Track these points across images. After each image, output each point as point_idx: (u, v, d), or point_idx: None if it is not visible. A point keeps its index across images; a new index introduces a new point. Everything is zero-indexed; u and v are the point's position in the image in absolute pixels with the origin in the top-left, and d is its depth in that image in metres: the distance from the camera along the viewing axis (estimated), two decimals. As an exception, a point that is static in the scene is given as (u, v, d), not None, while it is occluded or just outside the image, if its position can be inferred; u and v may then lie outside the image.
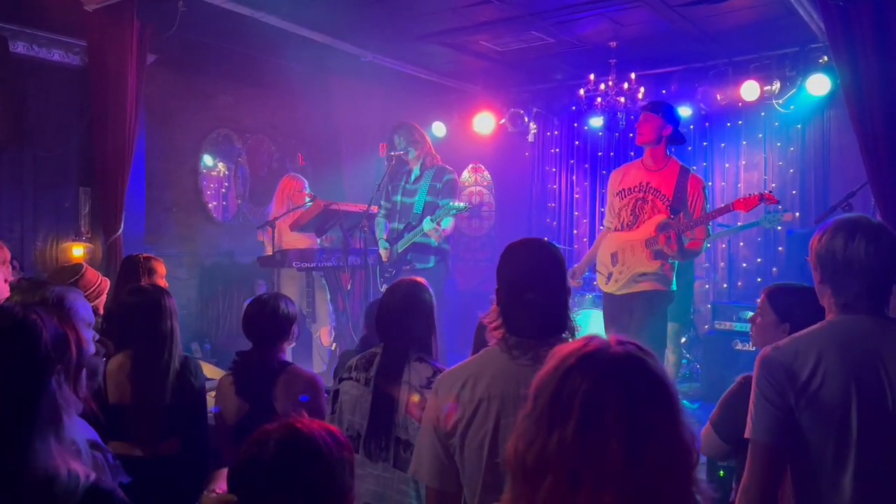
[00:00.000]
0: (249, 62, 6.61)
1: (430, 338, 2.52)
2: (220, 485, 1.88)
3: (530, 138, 7.91)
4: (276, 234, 5.68)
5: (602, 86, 6.54)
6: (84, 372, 1.50)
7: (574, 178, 8.10)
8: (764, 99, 6.49)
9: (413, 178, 5.31)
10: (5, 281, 3.18)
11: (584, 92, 6.75)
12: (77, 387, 1.43)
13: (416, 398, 2.35)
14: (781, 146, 6.85)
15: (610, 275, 4.25)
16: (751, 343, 5.51)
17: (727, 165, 7.15)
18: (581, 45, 6.44)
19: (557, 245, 6.96)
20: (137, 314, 2.72)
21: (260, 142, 7.37)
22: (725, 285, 7.08)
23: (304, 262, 5.43)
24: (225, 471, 1.65)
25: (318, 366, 5.86)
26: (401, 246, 5.20)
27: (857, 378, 1.71)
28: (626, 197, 4.24)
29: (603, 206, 7.48)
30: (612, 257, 4.25)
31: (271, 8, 5.45)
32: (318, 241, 5.85)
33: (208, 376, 4.50)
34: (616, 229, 4.30)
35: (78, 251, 5.55)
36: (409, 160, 5.33)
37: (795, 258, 6.00)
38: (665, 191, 4.10)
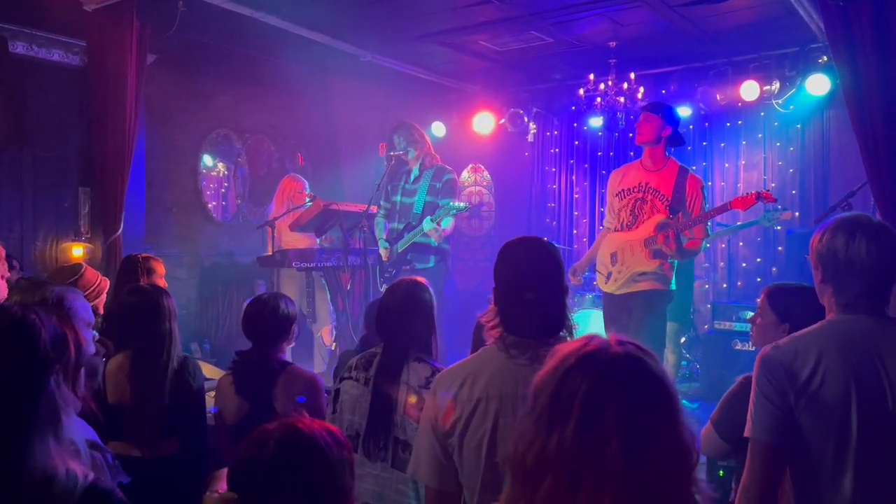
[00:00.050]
0: (249, 62, 6.61)
1: (430, 338, 2.52)
2: (221, 485, 1.88)
3: (530, 138, 7.91)
4: (275, 234, 5.68)
5: (602, 86, 6.54)
6: (83, 372, 1.50)
7: (574, 177, 8.10)
8: (763, 99, 6.49)
9: (412, 178, 5.31)
10: (2, 277, 3.18)
11: (584, 92, 6.75)
12: (76, 386, 1.43)
13: (413, 399, 2.34)
14: (781, 146, 6.85)
15: (609, 274, 4.27)
16: (750, 343, 5.54)
17: (727, 165, 7.15)
18: (580, 44, 6.44)
19: (557, 245, 6.94)
20: (136, 315, 2.72)
21: (259, 142, 7.38)
22: (725, 285, 7.08)
23: (303, 262, 5.43)
24: (225, 471, 1.65)
25: (320, 366, 5.86)
26: (401, 246, 5.20)
27: (857, 377, 1.71)
28: (625, 197, 4.25)
29: (602, 206, 7.48)
30: (612, 257, 4.26)
31: (271, 8, 5.45)
32: (318, 241, 5.85)
33: (208, 376, 4.49)
34: (616, 229, 4.31)
35: (77, 251, 5.55)
36: (408, 160, 5.32)
37: (795, 258, 5.99)
38: (664, 191, 4.11)
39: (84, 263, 3.72)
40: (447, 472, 1.80)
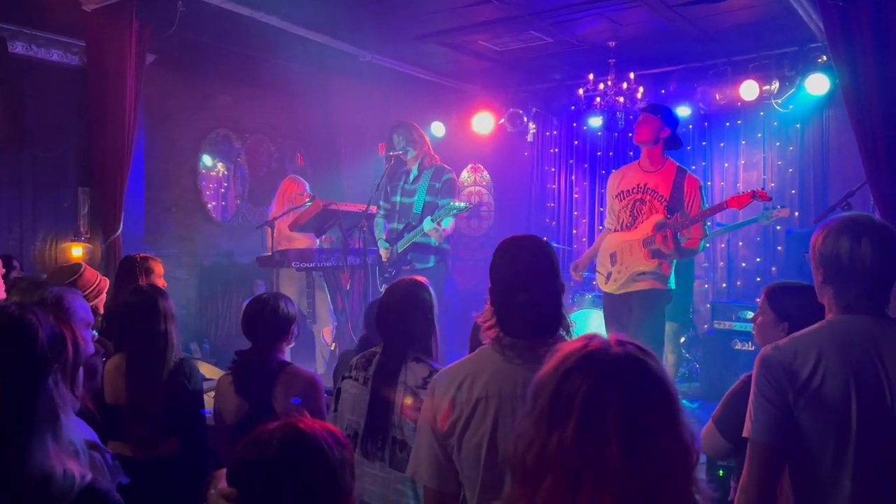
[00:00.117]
0: (248, 62, 6.61)
1: (429, 338, 2.51)
2: (221, 485, 1.87)
3: (529, 138, 7.92)
4: (275, 235, 5.68)
5: (601, 85, 6.54)
6: (81, 371, 1.50)
7: (573, 177, 8.10)
8: (763, 98, 6.50)
9: (412, 178, 5.30)
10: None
11: (583, 92, 6.75)
12: (74, 386, 1.43)
13: (410, 400, 2.34)
14: (780, 146, 6.85)
15: (609, 275, 4.30)
16: (750, 343, 5.56)
17: (726, 165, 7.16)
18: (580, 44, 6.44)
19: (557, 245, 6.90)
20: (131, 316, 2.73)
21: (259, 142, 7.37)
22: (725, 285, 7.08)
23: (303, 262, 5.43)
24: (225, 471, 1.65)
25: (321, 366, 5.86)
26: (401, 246, 5.20)
27: (856, 378, 1.71)
28: (624, 199, 4.29)
29: (602, 206, 7.49)
30: (612, 257, 4.29)
31: (270, 8, 5.45)
32: (318, 241, 5.85)
33: (207, 376, 4.49)
34: (615, 230, 4.34)
35: (77, 251, 5.55)
36: (407, 160, 5.32)
37: (794, 257, 5.99)
38: (662, 191, 4.14)
39: (83, 263, 3.72)
40: (447, 472, 1.79)
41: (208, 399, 2.98)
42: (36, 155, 5.46)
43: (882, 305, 1.80)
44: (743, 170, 7.05)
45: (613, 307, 4.30)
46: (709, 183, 7.03)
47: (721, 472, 2.87)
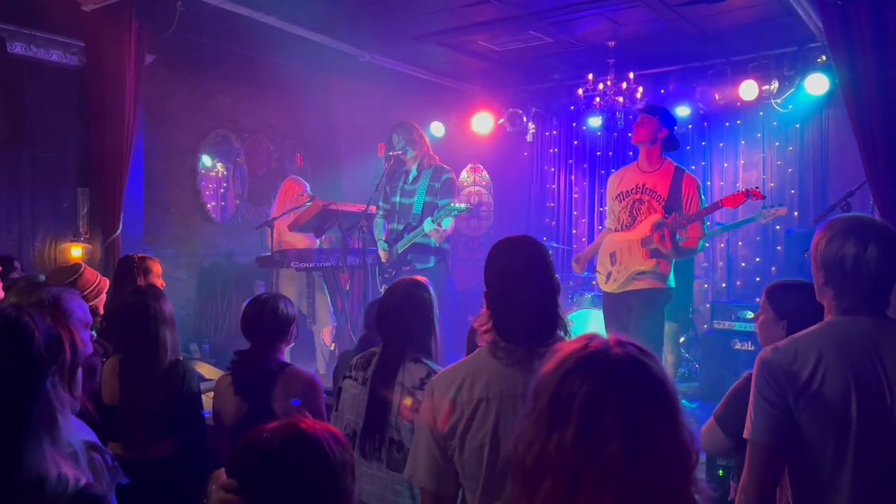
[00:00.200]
0: (248, 62, 6.61)
1: (429, 338, 2.50)
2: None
3: (529, 138, 7.92)
4: (274, 235, 5.67)
5: (600, 85, 6.54)
6: (80, 372, 1.49)
7: (573, 177, 8.10)
8: (762, 98, 6.50)
9: (411, 178, 5.30)
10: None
11: (583, 91, 6.75)
12: (72, 387, 1.43)
13: (408, 401, 2.33)
14: (780, 146, 6.85)
15: (609, 274, 4.33)
16: (750, 342, 5.56)
17: (726, 165, 7.16)
18: (579, 44, 6.44)
19: (556, 245, 6.90)
20: (123, 317, 2.72)
21: (258, 142, 7.37)
22: (724, 285, 7.08)
23: (302, 262, 5.43)
24: (224, 470, 1.64)
25: (321, 366, 5.86)
26: (401, 247, 5.20)
27: (856, 379, 1.71)
28: (623, 199, 4.32)
29: (601, 206, 7.50)
30: (611, 257, 4.33)
31: (270, 8, 5.45)
32: (318, 241, 5.84)
33: (207, 377, 4.49)
34: (615, 231, 4.38)
35: (76, 251, 5.54)
36: (406, 160, 5.31)
37: (794, 257, 6.00)
38: (660, 191, 4.17)
39: (83, 263, 3.72)
40: (445, 474, 1.78)
41: (207, 399, 2.98)
42: (35, 155, 5.46)
43: (882, 307, 1.80)
44: (742, 170, 7.05)
45: (613, 306, 4.33)
46: (708, 183, 7.04)
47: (721, 471, 2.87)
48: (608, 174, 5.96)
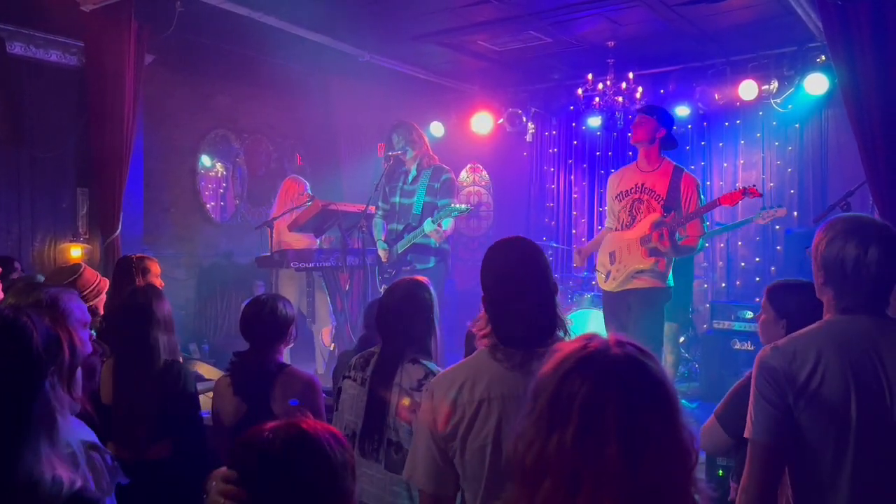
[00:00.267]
0: (247, 62, 6.60)
1: (429, 338, 2.49)
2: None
3: (528, 138, 7.92)
4: (274, 235, 5.67)
5: (600, 85, 6.54)
6: (79, 372, 1.49)
7: (572, 177, 8.10)
8: (762, 98, 6.50)
9: (410, 178, 5.30)
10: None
11: (582, 91, 6.75)
12: (72, 388, 1.42)
13: (406, 402, 2.32)
14: (779, 145, 6.86)
15: (608, 273, 4.35)
16: (749, 342, 5.56)
17: (725, 165, 7.16)
18: (579, 44, 6.44)
19: (556, 245, 6.89)
20: (116, 318, 2.71)
21: (258, 142, 7.37)
22: (724, 285, 7.08)
23: (302, 262, 5.42)
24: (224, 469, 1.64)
25: (321, 366, 5.86)
26: (401, 247, 5.20)
27: (855, 378, 1.71)
28: (623, 199, 4.34)
29: (601, 206, 7.50)
30: (611, 256, 4.34)
31: (269, 8, 5.45)
32: (318, 241, 5.84)
33: (206, 377, 4.48)
34: (615, 230, 4.39)
35: (76, 252, 5.54)
36: (406, 160, 5.31)
37: (794, 257, 6.00)
38: (659, 190, 4.19)
39: (83, 263, 3.72)
40: (445, 475, 1.77)
41: (206, 400, 2.97)
42: (34, 155, 5.46)
43: (882, 307, 1.80)
44: (742, 169, 7.05)
45: (612, 305, 4.36)
46: (708, 183, 7.04)
47: (721, 471, 2.87)
48: (608, 174, 5.96)
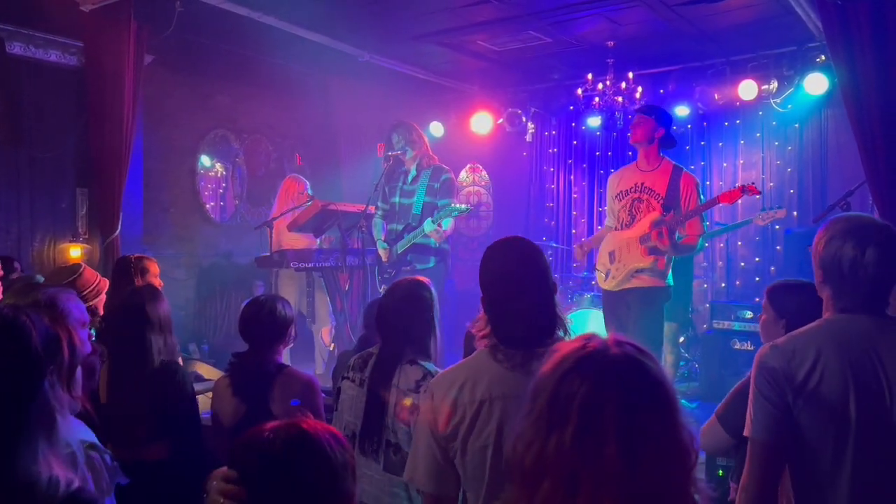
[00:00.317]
0: (247, 62, 6.60)
1: (429, 338, 2.48)
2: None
3: (528, 138, 7.92)
4: (274, 235, 5.67)
5: (600, 85, 6.54)
6: (79, 372, 1.49)
7: (572, 177, 8.10)
8: (762, 98, 6.50)
9: (410, 178, 5.30)
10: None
11: (582, 91, 6.75)
12: (71, 387, 1.42)
13: (404, 403, 2.32)
14: (779, 145, 6.86)
15: (608, 272, 4.36)
16: (749, 342, 5.56)
17: (725, 165, 7.16)
18: (578, 44, 6.44)
19: (556, 245, 6.89)
20: (112, 318, 2.71)
21: (257, 142, 7.36)
22: (724, 285, 7.08)
23: (301, 262, 5.42)
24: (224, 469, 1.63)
25: (321, 366, 5.86)
26: (401, 247, 5.20)
27: (855, 377, 1.71)
28: (623, 199, 4.35)
29: (601, 206, 7.50)
30: (610, 255, 4.35)
31: (269, 8, 5.45)
32: (317, 241, 5.83)
33: (206, 377, 4.47)
34: (616, 229, 4.40)
35: (75, 252, 5.54)
36: (405, 160, 5.31)
37: (793, 257, 6.00)
38: (658, 189, 4.20)
39: (83, 263, 3.71)
40: (446, 475, 1.77)
41: (206, 400, 2.96)
42: (34, 155, 5.45)
43: (881, 306, 1.80)
44: (742, 169, 7.05)
45: (612, 304, 4.37)
46: (707, 183, 7.04)
47: (721, 471, 2.86)
48: (607, 174, 5.96)
